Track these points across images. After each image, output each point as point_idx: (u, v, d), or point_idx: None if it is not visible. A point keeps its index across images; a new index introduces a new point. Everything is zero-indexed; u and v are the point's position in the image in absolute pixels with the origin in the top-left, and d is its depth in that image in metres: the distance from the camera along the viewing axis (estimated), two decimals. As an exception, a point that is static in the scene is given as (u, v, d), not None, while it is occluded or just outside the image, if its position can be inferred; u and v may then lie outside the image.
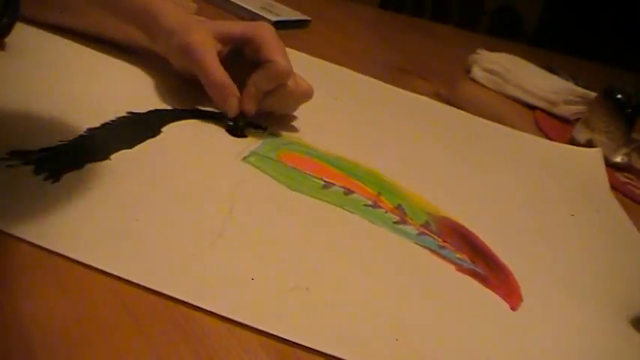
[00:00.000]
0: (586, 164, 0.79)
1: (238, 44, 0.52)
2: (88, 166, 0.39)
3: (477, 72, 1.00)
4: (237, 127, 0.50)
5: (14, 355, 0.27)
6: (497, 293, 0.43)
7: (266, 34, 0.51)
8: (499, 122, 0.82)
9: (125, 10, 0.52)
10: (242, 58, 0.52)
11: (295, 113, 0.56)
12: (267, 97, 0.51)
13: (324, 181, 0.49)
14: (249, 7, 0.84)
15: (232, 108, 0.49)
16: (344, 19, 1.08)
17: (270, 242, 0.40)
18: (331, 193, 0.47)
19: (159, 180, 0.42)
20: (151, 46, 0.53)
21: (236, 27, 0.52)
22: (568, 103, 0.96)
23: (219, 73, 0.49)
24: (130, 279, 0.32)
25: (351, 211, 0.46)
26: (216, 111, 0.52)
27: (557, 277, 0.50)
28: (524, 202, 0.62)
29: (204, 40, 0.50)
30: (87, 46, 0.55)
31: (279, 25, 0.84)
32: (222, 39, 0.52)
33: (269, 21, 0.82)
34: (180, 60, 0.51)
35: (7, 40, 0.49)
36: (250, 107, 0.50)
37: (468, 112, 0.82)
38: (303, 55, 0.78)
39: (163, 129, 0.47)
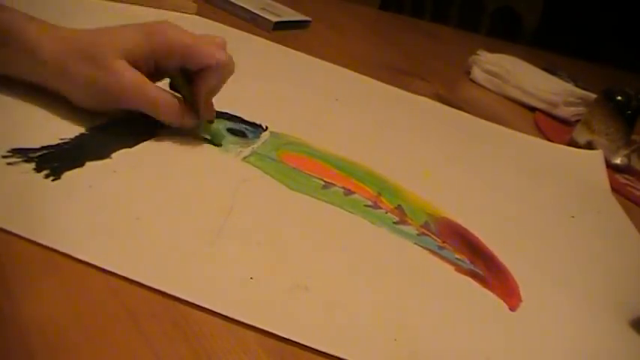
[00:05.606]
0: (587, 166, 0.79)
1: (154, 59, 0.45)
2: (89, 164, 0.40)
3: (477, 73, 1.01)
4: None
5: (14, 355, 0.27)
6: (496, 294, 0.43)
7: (180, 38, 0.44)
8: (499, 123, 0.83)
9: None
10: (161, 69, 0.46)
11: (296, 113, 0.56)
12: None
13: (325, 182, 0.49)
14: (249, 8, 0.83)
15: (190, 122, 0.46)
16: (344, 20, 1.08)
17: (270, 242, 0.40)
18: (331, 194, 0.48)
19: (160, 179, 0.42)
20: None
21: (138, 41, 0.43)
22: (568, 104, 0.97)
23: (169, 101, 0.45)
24: (130, 277, 0.32)
25: (351, 212, 0.46)
26: (221, 111, 0.52)
27: (557, 279, 0.50)
28: (524, 203, 0.62)
29: (136, 75, 0.43)
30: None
31: (280, 26, 0.84)
32: (131, 57, 0.43)
33: (269, 21, 0.82)
34: (102, 101, 0.44)
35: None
36: (212, 114, 0.48)
37: (468, 113, 0.82)
38: (304, 55, 0.78)
39: (164, 129, 0.47)
